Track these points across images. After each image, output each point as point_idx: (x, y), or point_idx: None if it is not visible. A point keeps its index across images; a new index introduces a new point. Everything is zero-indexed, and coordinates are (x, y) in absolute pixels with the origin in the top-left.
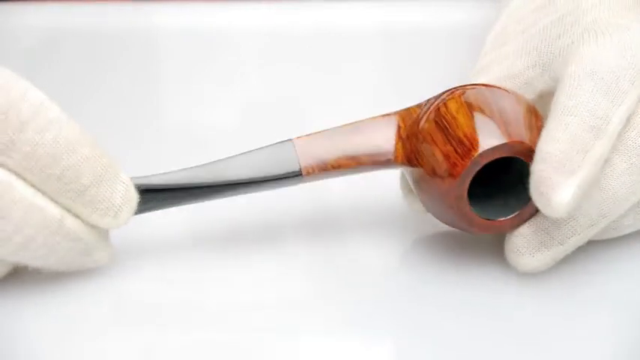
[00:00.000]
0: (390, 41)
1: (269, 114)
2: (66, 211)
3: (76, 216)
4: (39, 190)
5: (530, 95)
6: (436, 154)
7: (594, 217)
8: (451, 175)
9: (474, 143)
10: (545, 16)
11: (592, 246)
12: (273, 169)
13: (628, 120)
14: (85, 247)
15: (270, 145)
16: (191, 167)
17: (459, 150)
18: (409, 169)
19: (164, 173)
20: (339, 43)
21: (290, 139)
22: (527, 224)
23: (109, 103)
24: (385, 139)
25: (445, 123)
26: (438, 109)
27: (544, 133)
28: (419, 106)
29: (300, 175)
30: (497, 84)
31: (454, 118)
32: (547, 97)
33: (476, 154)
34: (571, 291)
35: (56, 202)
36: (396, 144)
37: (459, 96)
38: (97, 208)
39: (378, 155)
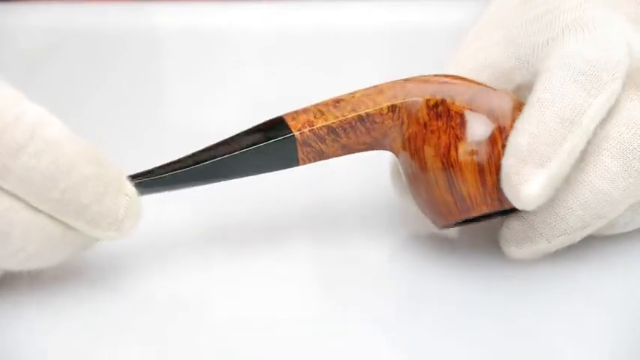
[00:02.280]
0: (391, 41)
1: (269, 114)
2: (67, 226)
3: (78, 230)
4: (38, 209)
5: (507, 87)
6: (436, 196)
7: (587, 219)
8: (445, 220)
9: (474, 206)
10: (527, 12)
11: (592, 244)
12: (271, 166)
13: (624, 121)
14: (85, 247)
15: (271, 140)
16: (190, 165)
17: (458, 205)
18: (404, 158)
19: (168, 167)
20: (339, 43)
21: (291, 133)
22: (516, 218)
23: (109, 103)
24: (386, 133)
25: (452, 173)
26: (449, 151)
27: (516, 126)
28: (427, 104)
29: (297, 164)
30: (475, 73)
31: (461, 169)
32: (525, 89)
33: (473, 213)
34: (570, 290)
35: (57, 219)
36: (396, 139)
37: (467, 136)
38: (99, 224)
39: (378, 147)
